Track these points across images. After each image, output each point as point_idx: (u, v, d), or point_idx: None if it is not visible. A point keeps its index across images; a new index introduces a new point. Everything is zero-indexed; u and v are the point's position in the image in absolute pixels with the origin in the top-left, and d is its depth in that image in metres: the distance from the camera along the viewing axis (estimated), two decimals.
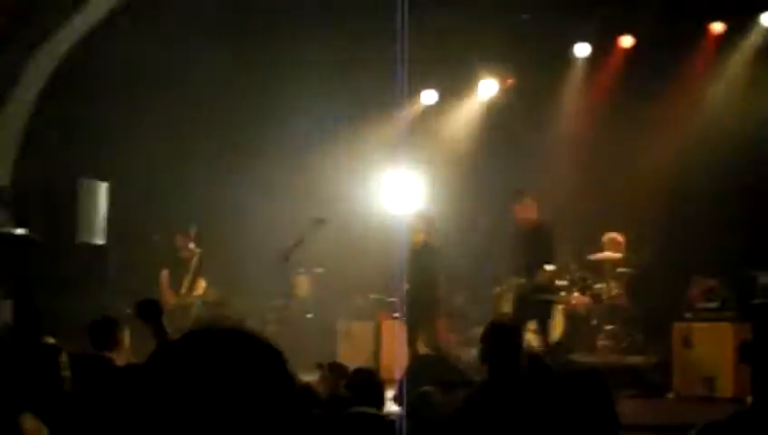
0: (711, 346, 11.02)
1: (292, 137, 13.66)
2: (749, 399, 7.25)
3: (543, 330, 11.73)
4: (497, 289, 12.68)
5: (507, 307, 11.94)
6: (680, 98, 12.94)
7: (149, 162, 13.34)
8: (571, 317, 12.47)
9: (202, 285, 12.53)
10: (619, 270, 12.59)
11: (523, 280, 11.63)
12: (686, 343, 11.19)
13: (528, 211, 11.75)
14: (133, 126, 13.25)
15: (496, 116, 14.49)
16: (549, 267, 11.65)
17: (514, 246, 11.86)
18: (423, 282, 11.76)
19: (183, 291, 12.40)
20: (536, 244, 11.61)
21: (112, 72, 12.83)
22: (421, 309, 11.57)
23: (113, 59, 12.83)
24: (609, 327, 12.30)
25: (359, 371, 6.16)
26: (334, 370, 7.16)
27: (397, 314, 13.76)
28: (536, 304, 11.58)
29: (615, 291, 12.56)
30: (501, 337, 5.43)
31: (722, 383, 10.71)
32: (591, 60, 14.08)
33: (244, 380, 1.66)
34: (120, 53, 12.77)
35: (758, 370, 6.70)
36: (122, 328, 6.35)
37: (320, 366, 7.38)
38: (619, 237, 12.76)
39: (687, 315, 11.59)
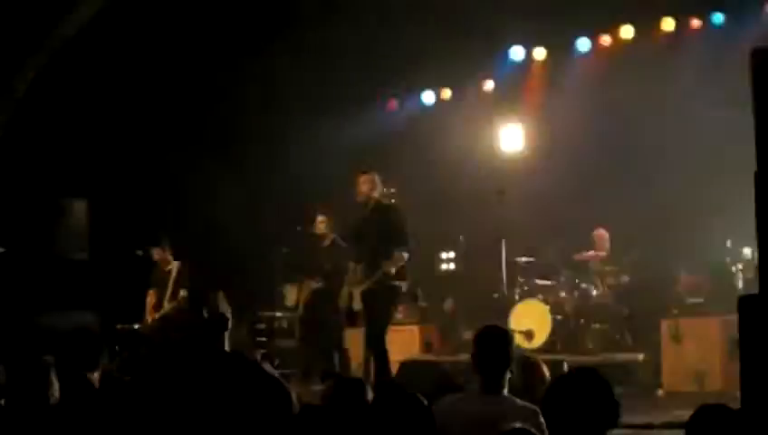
0: (699, 341, 11.06)
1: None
2: (738, 393, 7.25)
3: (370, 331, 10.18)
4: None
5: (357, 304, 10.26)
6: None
7: (130, 177, 13.33)
8: (559, 316, 12.48)
9: (183, 295, 12.49)
10: (606, 268, 12.61)
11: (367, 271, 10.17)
12: (675, 339, 11.22)
13: (369, 185, 10.25)
14: (114, 142, 13.22)
15: None
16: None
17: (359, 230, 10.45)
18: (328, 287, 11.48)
19: (165, 304, 12.39)
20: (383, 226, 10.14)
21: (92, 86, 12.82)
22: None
23: (90, 73, 12.83)
24: (597, 326, 12.32)
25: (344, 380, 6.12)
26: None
27: None
28: (383, 297, 10.09)
29: (602, 289, 12.60)
30: (491, 343, 5.42)
31: (711, 378, 10.74)
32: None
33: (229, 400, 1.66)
34: (96, 68, 12.78)
35: (745, 362, 6.69)
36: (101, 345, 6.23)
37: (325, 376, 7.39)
38: (606, 234, 12.80)
39: (675, 312, 11.63)
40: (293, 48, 13.01)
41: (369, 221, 10.14)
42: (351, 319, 10.37)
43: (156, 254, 12.44)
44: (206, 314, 4.52)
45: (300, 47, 13.03)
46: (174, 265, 12.45)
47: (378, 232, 9.99)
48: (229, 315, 5.19)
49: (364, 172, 10.27)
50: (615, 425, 3.59)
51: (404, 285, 10.25)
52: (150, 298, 12.45)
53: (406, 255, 9.97)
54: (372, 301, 9.98)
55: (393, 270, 9.93)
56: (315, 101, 13.71)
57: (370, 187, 10.15)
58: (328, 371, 10.89)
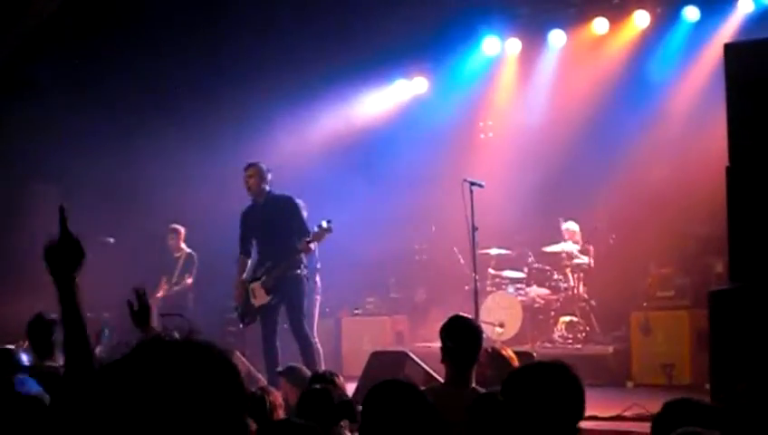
0: (668, 334, 11.14)
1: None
2: (707, 386, 7.31)
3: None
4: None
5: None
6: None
7: (102, 164, 13.21)
8: (529, 309, 12.51)
9: (188, 282, 12.94)
10: (576, 261, 12.65)
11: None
12: (644, 331, 11.28)
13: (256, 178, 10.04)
14: (85, 127, 13.09)
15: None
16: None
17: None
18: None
19: (163, 286, 13.01)
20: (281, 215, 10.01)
21: (64, 72, 12.70)
22: None
23: (62, 58, 12.71)
24: (567, 318, 12.37)
25: (319, 375, 6.11)
26: (293, 372, 7.14)
27: (358, 311, 13.79)
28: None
29: (572, 282, 12.64)
30: (460, 333, 5.42)
31: (679, 371, 10.82)
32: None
33: (191, 393, 1.62)
34: (68, 52, 12.66)
35: (716, 357, 6.74)
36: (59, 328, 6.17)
37: (280, 373, 7.36)
38: (576, 227, 12.84)
39: (644, 304, 11.70)
40: None
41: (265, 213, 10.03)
42: (253, 315, 10.18)
43: (169, 239, 13.08)
44: None
45: None
46: (183, 253, 12.97)
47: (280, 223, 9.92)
48: None
49: (250, 165, 10.12)
50: (580, 417, 3.57)
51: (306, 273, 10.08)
52: (162, 283, 12.99)
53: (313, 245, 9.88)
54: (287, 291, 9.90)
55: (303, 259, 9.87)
56: None
57: (259, 180, 10.03)
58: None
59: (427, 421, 3.54)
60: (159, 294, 12.82)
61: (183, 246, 13.16)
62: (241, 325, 10.24)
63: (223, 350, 1.74)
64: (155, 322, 4.42)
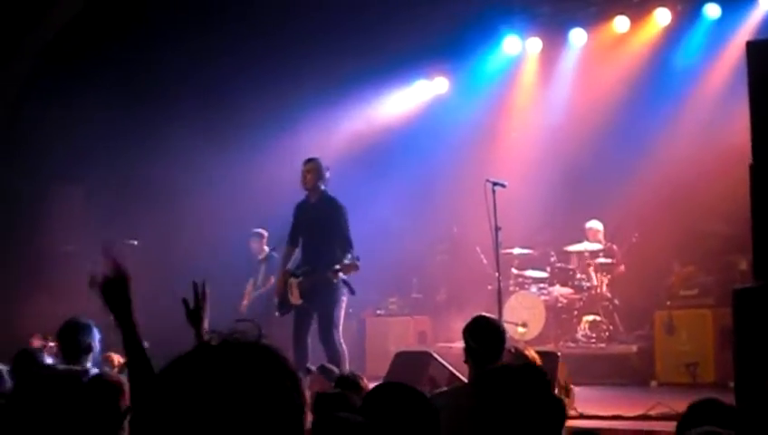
0: (692, 333, 11.09)
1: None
2: (731, 384, 7.28)
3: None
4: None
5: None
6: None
7: (125, 166, 13.28)
8: (553, 308, 12.49)
9: (272, 282, 12.87)
10: (599, 260, 12.62)
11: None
12: (668, 330, 11.24)
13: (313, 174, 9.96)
14: (107, 129, 13.17)
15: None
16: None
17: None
18: None
19: (249, 289, 13.16)
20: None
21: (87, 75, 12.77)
22: None
23: (85, 61, 12.78)
24: (590, 317, 12.34)
25: (343, 377, 6.11)
26: (325, 372, 7.16)
27: (381, 312, 13.81)
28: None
29: (595, 281, 12.61)
30: (483, 333, 5.42)
31: (703, 369, 10.77)
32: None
33: (252, 396, 1.63)
34: (91, 55, 12.73)
35: (740, 355, 6.72)
36: (92, 333, 6.21)
37: (308, 370, 7.37)
38: (599, 226, 12.81)
39: (668, 303, 11.66)
40: None
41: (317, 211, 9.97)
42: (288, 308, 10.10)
43: (253, 241, 13.20)
44: None
45: None
46: (265, 254, 13.11)
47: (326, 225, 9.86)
48: None
49: (310, 160, 10.05)
50: (561, 425, 3.48)
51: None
52: (249, 286, 13.14)
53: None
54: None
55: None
56: None
57: (316, 176, 9.95)
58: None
59: (427, 427, 3.52)
60: (244, 302, 12.97)
61: (266, 248, 13.15)
62: (277, 313, 10.27)
63: (284, 354, 1.75)
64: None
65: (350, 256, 9.59)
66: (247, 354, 1.68)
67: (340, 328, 10.63)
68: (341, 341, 10.13)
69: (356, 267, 9.54)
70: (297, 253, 10.20)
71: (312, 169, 9.93)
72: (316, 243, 9.91)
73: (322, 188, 9.96)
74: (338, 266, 9.49)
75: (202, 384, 1.63)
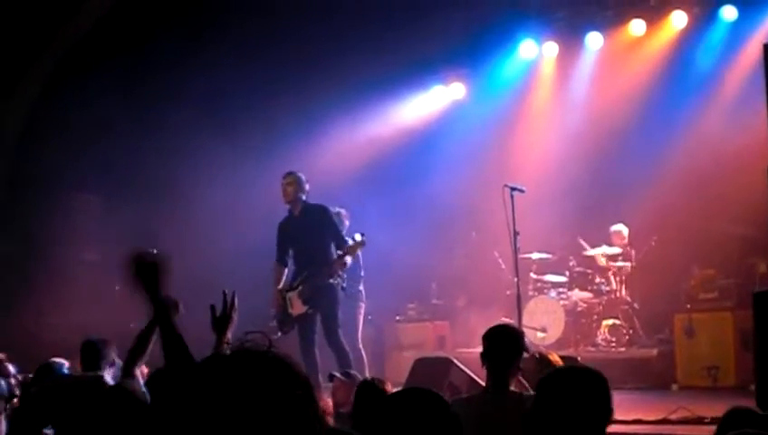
0: (712, 336, 11.04)
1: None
2: (752, 387, 7.26)
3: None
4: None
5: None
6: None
7: (143, 174, 13.34)
8: (572, 312, 12.48)
9: None
10: (618, 264, 12.60)
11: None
12: (688, 333, 11.20)
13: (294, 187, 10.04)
14: (126, 137, 13.23)
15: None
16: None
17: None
18: None
19: None
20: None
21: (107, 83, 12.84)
22: None
23: (105, 69, 12.85)
24: (609, 321, 12.31)
25: (366, 383, 6.12)
26: (349, 377, 7.18)
27: (400, 318, 13.81)
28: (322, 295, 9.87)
29: (615, 285, 12.58)
30: (497, 337, 5.42)
31: (724, 373, 10.72)
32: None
33: (264, 406, 1.64)
34: (112, 63, 12.81)
35: (760, 358, 6.70)
36: (111, 345, 6.28)
37: (332, 377, 7.39)
38: (624, 230, 12.78)
39: (688, 306, 11.61)
40: None
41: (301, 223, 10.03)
42: (291, 324, 10.11)
43: None
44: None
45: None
46: None
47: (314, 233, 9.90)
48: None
49: (289, 174, 10.11)
50: (607, 422, 3.57)
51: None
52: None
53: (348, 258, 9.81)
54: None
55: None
56: None
57: (296, 188, 10.03)
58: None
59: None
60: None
61: None
62: (279, 333, 10.29)
63: (295, 363, 1.76)
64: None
65: (350, 240, 9.67)
66: (259, 364, 1.69)
67: (359, 333, 10.65)
68: (360, 344, 10.15)
69: (362, 243, 9.65)
70: (287, 272, 10.20)
71: (293, 181, 10.02)
72: (308, 249, 9.96)
73: (303, 198, 10.04)
74: (342, 252, 9.60)
75: (214, 395, 1.65)
